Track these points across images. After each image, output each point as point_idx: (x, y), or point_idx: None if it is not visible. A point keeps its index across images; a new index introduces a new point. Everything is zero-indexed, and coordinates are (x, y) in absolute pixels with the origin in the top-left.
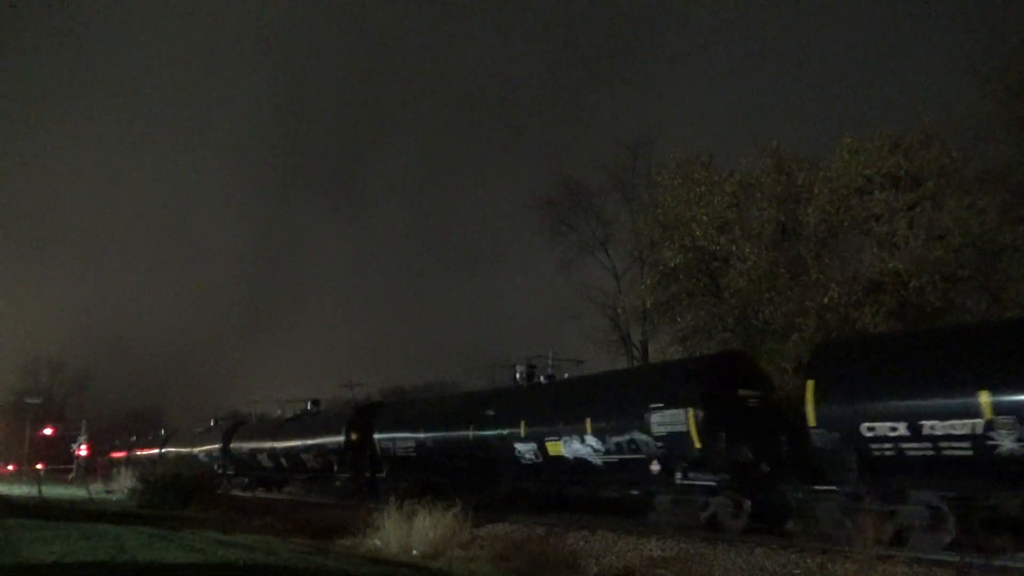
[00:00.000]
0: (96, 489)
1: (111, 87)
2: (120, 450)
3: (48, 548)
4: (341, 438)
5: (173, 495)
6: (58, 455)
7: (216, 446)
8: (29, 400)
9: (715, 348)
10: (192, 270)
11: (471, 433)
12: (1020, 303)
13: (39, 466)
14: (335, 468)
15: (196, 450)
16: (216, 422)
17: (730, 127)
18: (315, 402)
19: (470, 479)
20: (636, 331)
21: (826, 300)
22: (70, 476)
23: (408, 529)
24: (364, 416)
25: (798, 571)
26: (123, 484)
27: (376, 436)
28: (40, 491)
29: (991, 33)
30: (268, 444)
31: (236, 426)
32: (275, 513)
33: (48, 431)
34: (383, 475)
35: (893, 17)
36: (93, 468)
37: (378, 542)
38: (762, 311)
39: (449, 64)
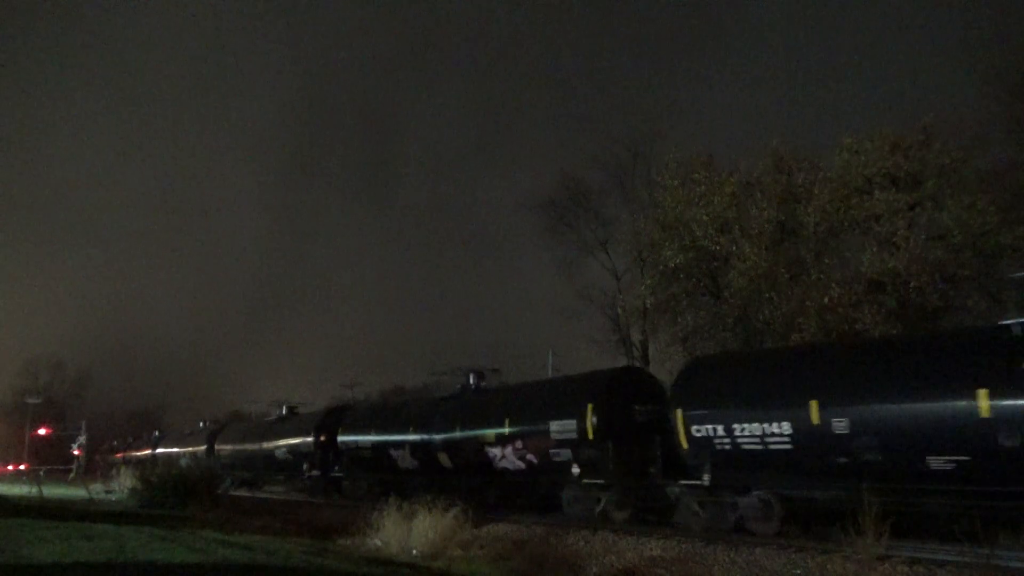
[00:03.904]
0: (96, 489)
1: (120, 71)
2: (135, 448)
3: (48, 548)
4: (579, 422)
5: (173, 495)
6: (60, 455)
7: (307, 439)
8: (29, 400)
9: (715, 348)
10: (195, 269)
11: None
12: (1020, 303)
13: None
14: (572, 469)
15: (270, 445)
16: (288, 410)
17: (730, 127)
18: (479, 374)
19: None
20: (636, 331)
21: (826, 300)
22: (70, 476)
23: (408, 529)
24: (624, 386)
25: (798, 571)
26: (123, 484)
27: (685, 417)
28: (40, 491)
29: (992, 33)
30: (413, 436)
31: (338, 413)
32: (275, 513)
33: (42, 431)
34: (702, 481)
35: (893, 17)
36: (93, 468)
37: (378, 542)
38: (762, 311)
39: (459, 60)
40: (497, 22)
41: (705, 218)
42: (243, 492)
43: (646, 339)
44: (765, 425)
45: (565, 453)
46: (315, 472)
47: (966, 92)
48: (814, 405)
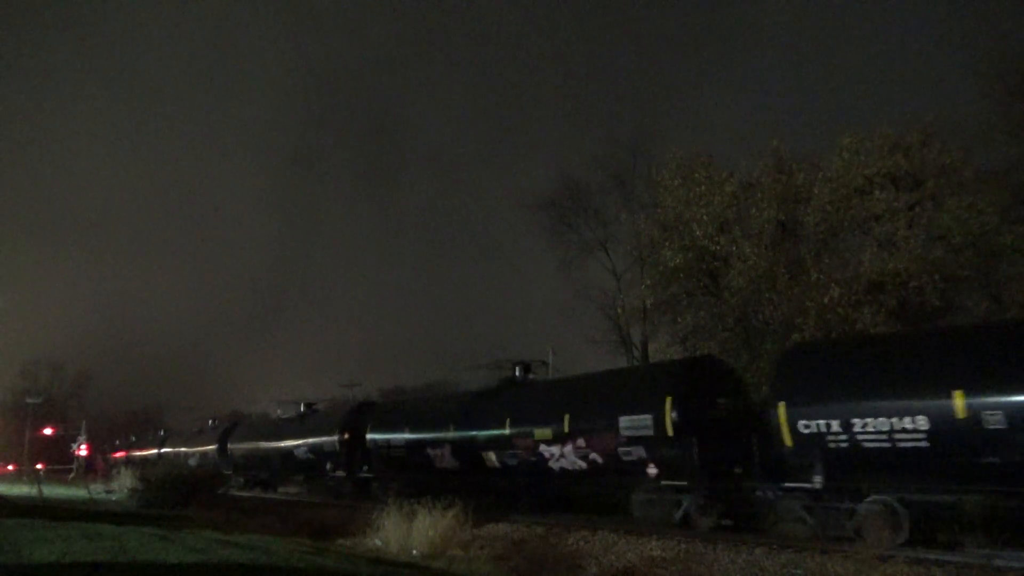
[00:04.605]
0: (96, 489)
1: (122, 70)
2: (138, 447)
3: (48, 548)
4: (656, 417)
5: (173, 495)
6: (60, 455)
7: (330, 438)
8: (29, 400)
9: (715, 348)
10: (195, 269)
11: None
12: (1020, 303)
13: (39, 466)
14: (648, 470)
15: (289, 444)
16: (306, 407)
17: (730, 127)
18: (525, 367)
19: None
20: (636, 331)
21: (826, 300)
22: (70, 476)
23: (408, 529)
24: (705, 377)
25: (798, 571)
26: (123, 484)
27: (790, 412)
28: (40, 491)
29: (992, 34)
30: (453, 434)
31: (365, 410)
32: (275, 513)
33: (48, 431)
34: (813, 484)
35: (893, 17)
36: (93, 468)
37: (378, 542)
38: (762, 311)
39: (461, 60)
40: (499, 22)
41: (705, 218)
42: (257, 493)
43: (646, 339)
44: (894, 420)
45: (638, 452)
46: (340, 473)
47: (966, 92)
48: (959, 396)
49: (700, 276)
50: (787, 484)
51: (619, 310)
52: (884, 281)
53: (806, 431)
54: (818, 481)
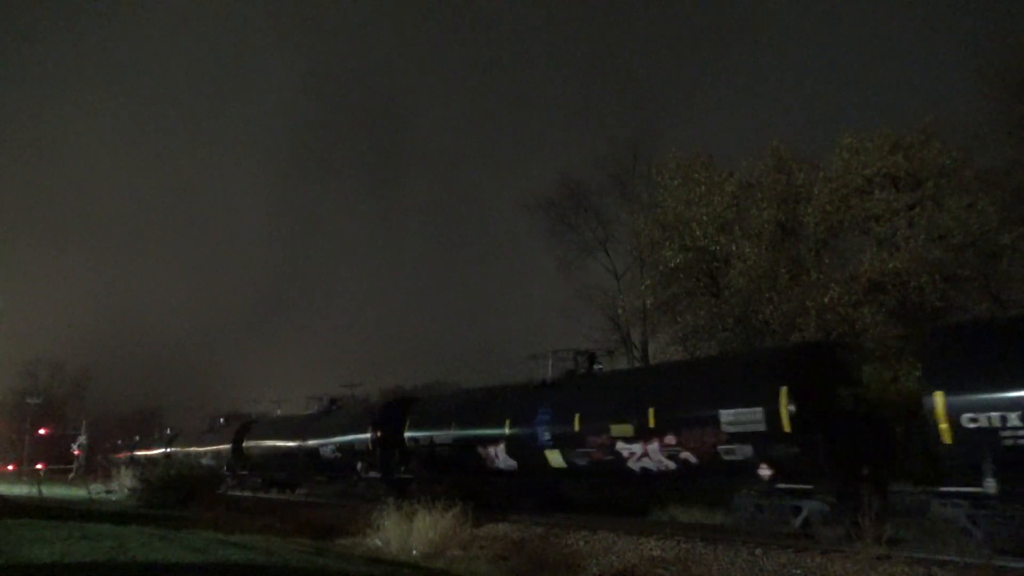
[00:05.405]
0: (96, 489)
1: (124, 68)
2: (143, 447)
3: (48, 548)
4: (768, 410)
5: (173, 495)
6: (60, 455)
7: (362, 436)
8: (29, 400)
9: (715, 348)
10: (197, 268)
11: None
12: (1020, 303)
13: (39, 466)
14: (760, 471)
15: (315, 443)
16: (330, 403)
17: (730, 127)
18: (590, 356)
19: None
20: (636, 331)
21: (826, 300)
22: (70, 476)
23: (408, 529)
24: (824, 364)
25: (798, 571)
26: (123, 484)
27: (950, 403)
28: (40, 491)
29: (992, 34)
30: (511, 430)
31: (401, 405)
32: (275, 513)
33: (42, 431)
34: (984, 488)
35: (894, 17)
36: (93, 468)
37: (378, 542)
38: (762, 311)
39: (463, 59)
40: (500, 23)
41: (705, 218)
42: (273, 494)
43: (646, 339)
44: None
45: (744, 450)
46: (373, 473)
47: (966, 92)
48: None
49: (700, 276)
50: (946, 488)
51: (619, 310)
52: (884, 281)
53: (972, 426)
54: (991, 485)
